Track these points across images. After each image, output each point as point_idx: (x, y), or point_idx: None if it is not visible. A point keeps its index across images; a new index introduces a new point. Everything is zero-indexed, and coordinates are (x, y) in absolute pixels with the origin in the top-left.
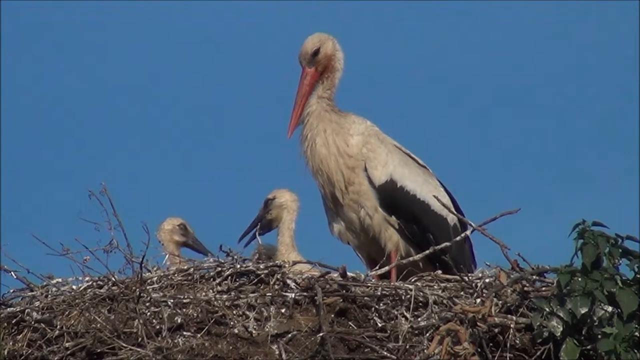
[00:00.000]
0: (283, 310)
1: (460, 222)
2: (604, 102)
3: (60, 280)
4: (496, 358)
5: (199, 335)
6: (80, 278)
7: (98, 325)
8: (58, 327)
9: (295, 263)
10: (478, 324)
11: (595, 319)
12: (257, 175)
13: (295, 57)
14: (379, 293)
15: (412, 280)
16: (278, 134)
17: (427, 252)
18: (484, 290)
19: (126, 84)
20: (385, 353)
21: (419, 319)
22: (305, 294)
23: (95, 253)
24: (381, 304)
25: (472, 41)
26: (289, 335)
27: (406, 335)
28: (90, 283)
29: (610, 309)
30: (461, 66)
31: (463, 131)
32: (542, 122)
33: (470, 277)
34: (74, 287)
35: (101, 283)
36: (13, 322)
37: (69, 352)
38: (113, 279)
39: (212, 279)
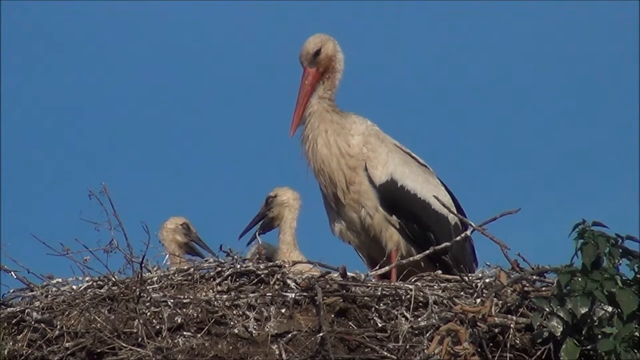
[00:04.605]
0: (283, 310)
1: (461, 221)
2: (604, 102)
3: (60, 280)
4: (496, 358)
5: (199, 335)
6: (80, 278)
7: (98, 325)
8: (58, 327)
9: (295, 263)
10: (478, 324)
11: (595, 319)
12: (258, 175)
13: (296, 57)
14: (379, 293)
15: (412, 280)
16: (279, 133)
17: (428, 252)
18: (484, 290)
19: (126, 84)
20: (385, 353)
21: (419, 319)
22: (305, 294)
23: (95, 253)
24: (381, 304)
25: (473, 41)
26: (289, 335)
27: (406, 335)
28: (90, 283)
29: (610, 309)
30: (461, 66)
31: (463, 131)
32: (542, 122)
33: (470, 277)
34: (74, 287)
35: (101, 283)
36: (13, 322)
37: (69, 352)
38: (113, 279)
39: (212, 279)
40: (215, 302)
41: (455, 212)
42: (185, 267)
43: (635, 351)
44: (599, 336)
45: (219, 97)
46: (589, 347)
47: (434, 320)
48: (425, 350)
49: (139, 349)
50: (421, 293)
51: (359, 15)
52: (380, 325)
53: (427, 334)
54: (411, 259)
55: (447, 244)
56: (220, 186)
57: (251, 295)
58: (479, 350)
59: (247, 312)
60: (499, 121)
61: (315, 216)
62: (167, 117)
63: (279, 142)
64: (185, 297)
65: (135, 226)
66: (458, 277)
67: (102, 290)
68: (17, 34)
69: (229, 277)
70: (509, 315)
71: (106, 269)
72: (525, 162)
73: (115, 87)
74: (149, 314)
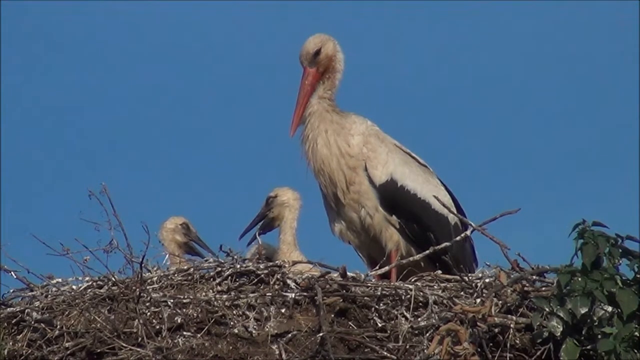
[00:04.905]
0: (283, 310)
1: (461, 221)
2: (604, 102)
3: (60, 280)
4: (496, 358)
5: (199, 335)
6: (80, 278)
7: (98, 325)
8: (58, 327)
9: (295, 263)
10: (478, 324)
11: (595, 319)
12: (258, 175)
13: (296, 57)
14: (379, 293)
15: (412, 280)
16: (279, 133)
17: (427, 252)
18: (484, 290)
19: (126, 84)
20: (385, 353)
21: (419, 319)
22: (305, 294)
23: (95, 253)
24: (381, 304)
25: (473, 41)
26: (289, 335)
27: (406, 335)
28: (90, 283)
29: (610, 309)
30: (461, 66)
31: (463, 131)
32: (542, 122)
33: (470, 277)
34: (74, 287)
35: (101, 283)
36: (13, 322)
37: (69, 352)
38: (113, 279)
39: (212, 279)
40: (215, 302)
41: (455, 212)
42: (185, 267)
43: (635, 351)
44: (599, 336)
45: (219, 97)
46: (589, 347)
47: (434, 320)
48: (425, 350)
49: (139, 349)
50: (421, 293)
51: (359, 15)
52: (380, 325)
53: (427, 334)
54: (411, 259)
55: (447, 244)
56: (220, 186)
57: (251, 295)
58: (479, 350)
59: (247, 312)
60: (499, 121)
61: (315, 216)
62: (167, 117)
63: (279, 142)
64: (185, 297)
65: (135, 226)
66: (458, 277)
67: (102, 290)
68: (17, 34)
69: (229, 277)
70: (509, 315)
71: (106, 269)
72: (525, 162)
73: (115, 87)
74: (149, 314)
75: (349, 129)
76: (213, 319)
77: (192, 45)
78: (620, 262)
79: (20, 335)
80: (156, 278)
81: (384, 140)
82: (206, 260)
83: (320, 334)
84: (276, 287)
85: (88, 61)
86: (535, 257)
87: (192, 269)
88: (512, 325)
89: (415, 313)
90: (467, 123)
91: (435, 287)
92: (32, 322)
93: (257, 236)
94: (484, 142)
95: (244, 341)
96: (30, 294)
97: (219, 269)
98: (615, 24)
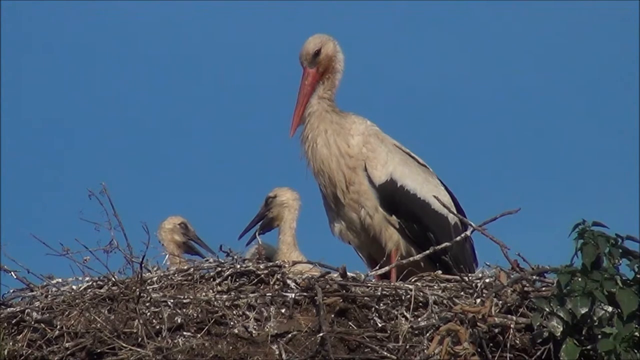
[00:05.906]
0: (283, 310)
1: (461, 221)
2: (603, 102)
3: (60, 280)
4: (496, 358)
5: (199, 335)
6: (80, 278)
7: (98, 325)
8: (58, 327)
9: (295, 263)
10: (478, 324)
11: (595, 319)
12: (258, 175)
13: (296, 57)
14: (379, 293)
15: (412, 280)
16: (279, 133)
17: (427, 252)
18: (484, 290)
19: (126, 84)
20: (385, 353)
21: (419, 319)
22: (305, 294)
23: (95, 253)
24: (381, 304)
25: (471, 41)
26: (289, 335)
27: (406, 335)
28: (90, 283)
29: (610, 309)
30: (460, 66)
31: (463, 131)
32: (543, 122)
33: (470, 277)
34: (74, 287)
35: (101, 283)
36: (13, 322)
37: (69, 352)
38: (113, 279)
39: (212, 279)
40: (215, 302)
41: (455, 212)
42: (185, 267)
43: (635, 351)
44: (599, 336)
45: (219, 96)
46: (589, 347)
47: (434, 320)
48: (425, 350)
49: (139, 349)
50: (421, 293)
51: (359, 15)
52: (380, 325)
53: (427, 334)
54: (411, 259)
55: (447, 244)
56: (220, 186)
57: (251, 295)
58: (479, 350)
59: (247, 312)
60: (499, 121)
61: (315, 216)
62: (167, 117)
63: (279, 142)
64: (185, 297)
65: (135, 226)
66: (458, 277)
67: (102, 290)
68: (17, 34)
69: (229, 277)
70: (509, 315)
71: (106, 269)
72: (525, 162)
73: (115, 86)
74: (149, 314)
75: (349, 129)
76: (213, 319)
77: (191, 45)
78: (620, 262)
79: (20, 336)
80: (156, 278)
81: (383, 140)
82: (206, 261)
83: (320, 334)
84: (276, 287)
85: (88, 61)
86: (535, 257)
87: (192, 269)
88: (512, 325)
89: (415, 313)
90: (467, 123)
91: (435, 287)
92: (32, 322)
93: (257, 236)
94: (484, 142)
95: (244, 341)
96: (30, 294)
97: (219, 269)
98: (615, 24)
